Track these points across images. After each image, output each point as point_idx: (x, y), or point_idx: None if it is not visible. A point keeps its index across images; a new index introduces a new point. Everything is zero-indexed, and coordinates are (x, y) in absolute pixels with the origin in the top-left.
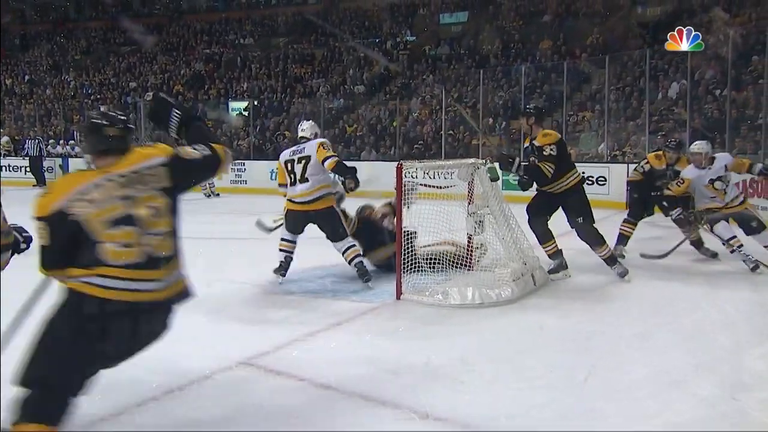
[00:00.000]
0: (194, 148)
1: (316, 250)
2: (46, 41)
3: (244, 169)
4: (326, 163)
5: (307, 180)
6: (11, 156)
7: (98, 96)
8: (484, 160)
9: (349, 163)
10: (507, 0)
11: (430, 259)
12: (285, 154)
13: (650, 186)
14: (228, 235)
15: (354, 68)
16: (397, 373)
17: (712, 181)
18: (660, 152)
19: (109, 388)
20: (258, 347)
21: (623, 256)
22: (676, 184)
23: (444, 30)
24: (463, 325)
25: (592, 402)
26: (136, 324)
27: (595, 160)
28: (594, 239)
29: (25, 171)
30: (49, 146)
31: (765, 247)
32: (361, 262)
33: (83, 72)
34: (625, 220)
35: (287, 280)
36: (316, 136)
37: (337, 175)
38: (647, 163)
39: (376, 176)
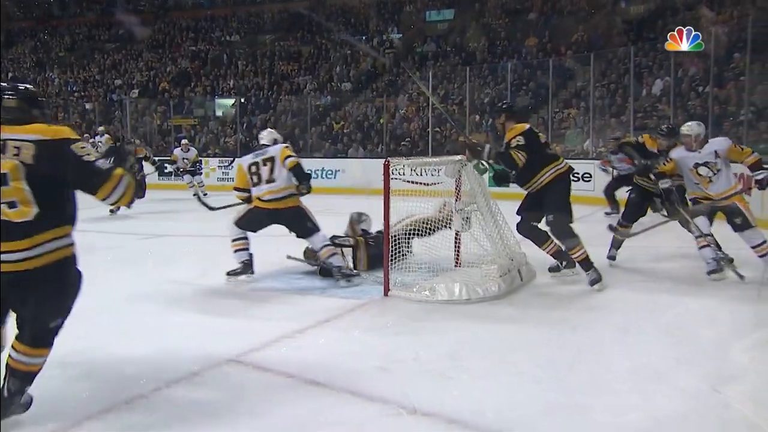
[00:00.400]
0: (98, 156)
1: (303, 246)
2: (30, 38)
3: (232, 167)
4: (287, 161)
5: (274, 180)
6: None
7: (83, 93)
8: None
9: (336, 161)
10: None
11: (404, 234)
12: (247, 159)
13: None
14: (216, 232)
15: (341, 65)
16: (385, 369)
17: (696, 166)
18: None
19: (97, 386)
20: (246, 344)
21: (614, 258)
22: (663, 162)
23: (430, 27)
24: (450, 321)
25: (577, 396)
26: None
27: (580, 157)
28: (565, 237)
29: None
30: None
31: (752, 248)
32: (332, 263)
33: (68, 69)
34: (619, 223)
35: (273, 278)
36: (275, 142)
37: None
38: (642, 137)
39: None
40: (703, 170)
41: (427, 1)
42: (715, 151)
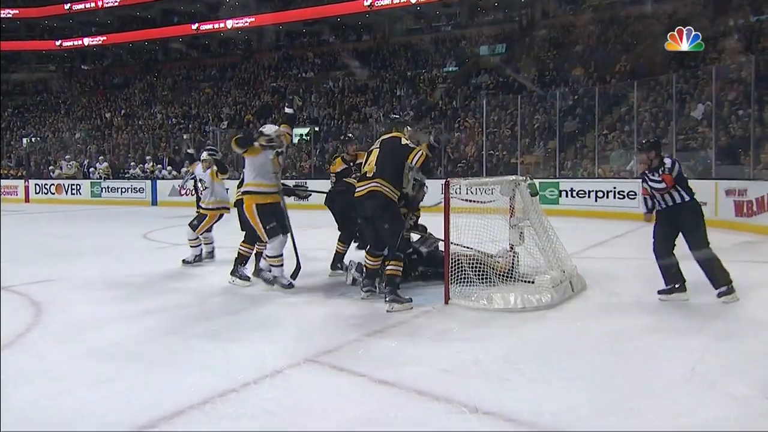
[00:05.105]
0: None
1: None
2: (138, 80)
3: (307, 187)
4: None
5: None
6: (110, 179)
7: (181, 125)
8: (524, 177)
9: None
10: (541, 32)
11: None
12: None
13: None
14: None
15: (403, 96)
16: (448, 370)
17: None
18: None
19: (200, 381)
20: (322, 346)
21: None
22: None
23: (484, 60)
24: (507, 328)
25: (629, 400)
26: None
27: (626, 177)
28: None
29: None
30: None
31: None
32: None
33: (169, 105)
34: None
35: (344, 286)
36: None
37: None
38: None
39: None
40: None
41: (482, 37)
42: None
